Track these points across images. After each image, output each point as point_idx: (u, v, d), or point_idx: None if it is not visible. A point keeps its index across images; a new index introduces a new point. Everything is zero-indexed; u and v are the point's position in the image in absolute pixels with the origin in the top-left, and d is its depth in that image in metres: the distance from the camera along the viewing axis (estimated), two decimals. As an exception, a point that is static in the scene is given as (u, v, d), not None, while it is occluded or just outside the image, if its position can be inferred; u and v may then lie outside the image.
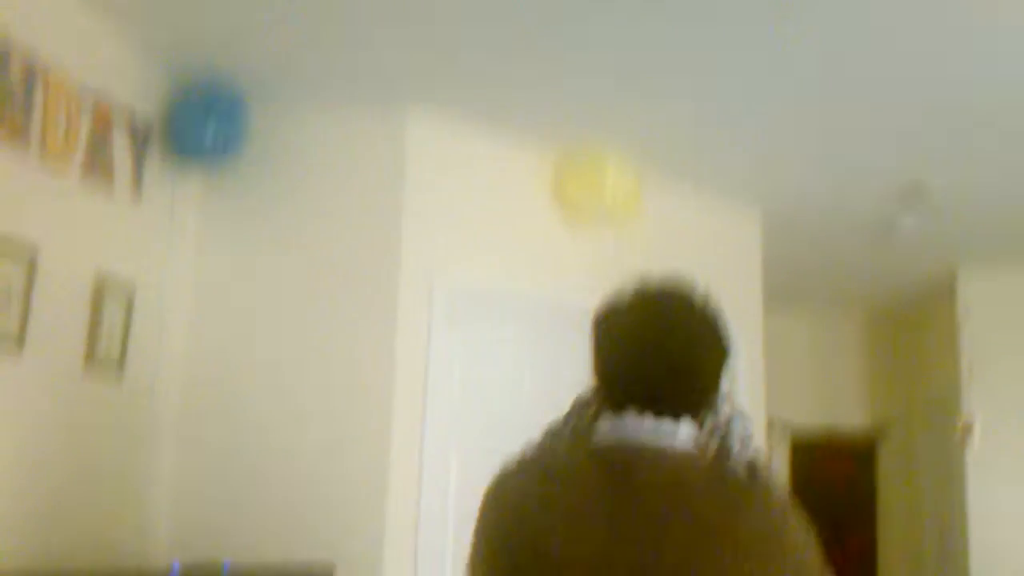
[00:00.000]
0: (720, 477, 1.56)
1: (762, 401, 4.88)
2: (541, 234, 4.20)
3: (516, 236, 4.13)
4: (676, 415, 1.57)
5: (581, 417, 1.66)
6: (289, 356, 3.72)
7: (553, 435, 1.68)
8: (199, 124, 3.55)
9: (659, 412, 1.57)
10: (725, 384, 1.64)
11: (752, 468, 1.61)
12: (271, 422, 3.65)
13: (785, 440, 6.90)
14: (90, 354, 3.19)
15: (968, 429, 5.48)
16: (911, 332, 6.86)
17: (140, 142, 3.45)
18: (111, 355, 3.29)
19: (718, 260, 4.74)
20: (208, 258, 3.81)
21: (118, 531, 3.34)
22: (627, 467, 1.54)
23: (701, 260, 4.61)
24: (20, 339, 2.84)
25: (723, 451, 1.78)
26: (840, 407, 7.08)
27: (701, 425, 1.61)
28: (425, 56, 3.47)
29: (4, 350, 2.79)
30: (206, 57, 3.54)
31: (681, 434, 1.57)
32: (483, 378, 3.94)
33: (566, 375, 4.07)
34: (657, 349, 1.59)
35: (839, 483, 7.05)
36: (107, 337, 3.25)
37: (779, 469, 6.78)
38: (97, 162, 3.21)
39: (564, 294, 4.13)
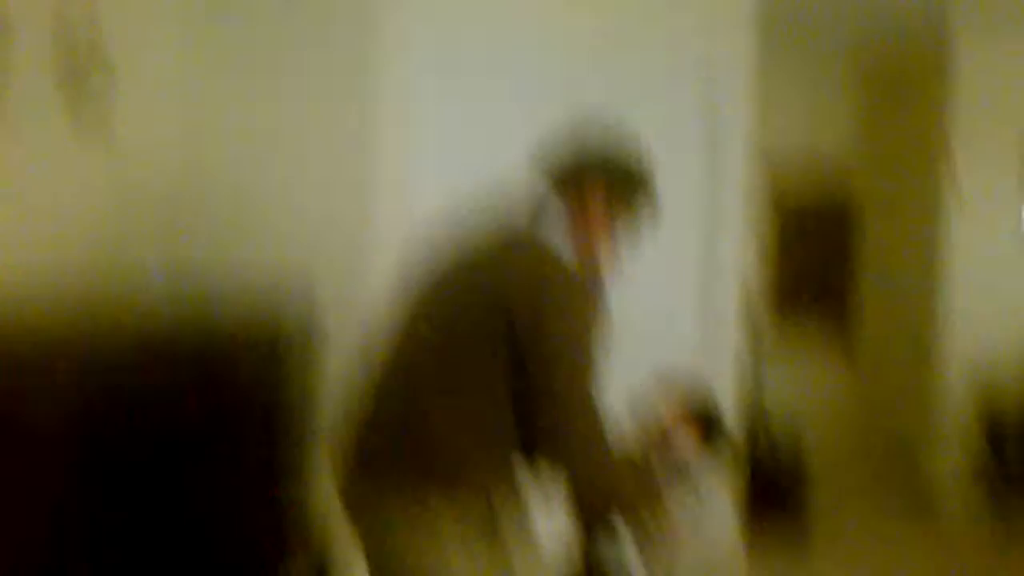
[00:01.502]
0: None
1: (752, 161, 4.82)
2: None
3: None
4: None
5: None
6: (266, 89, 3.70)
7: None
8: None
9: None
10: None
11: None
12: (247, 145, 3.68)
13: (768, 203, 6.82)
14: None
15: (954, 191, 5.59)
16: (901, 94, 6.85)
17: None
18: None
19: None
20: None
21: (95, 253, 3.32)
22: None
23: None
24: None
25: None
26: (825, 167, 7.07)
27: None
28: None
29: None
30: None
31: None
32: (467, 138, 3.88)
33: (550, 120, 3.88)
34: None
35: (821, 240, 7.08)
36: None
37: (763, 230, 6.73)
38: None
39: (550, 49, 4.09)
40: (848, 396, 7.18)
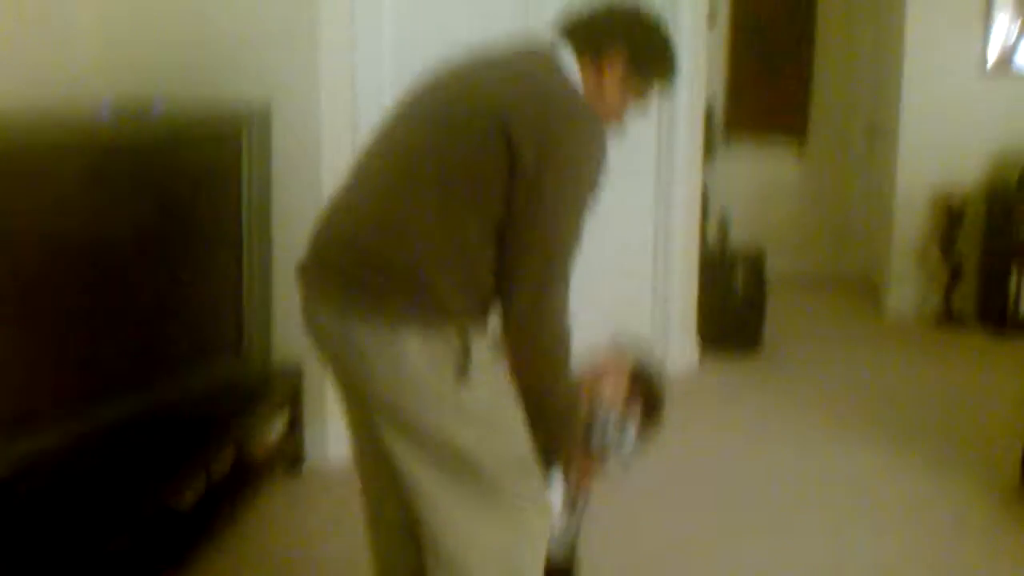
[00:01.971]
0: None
1: None
2: None
3: None
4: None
5: None
6: None
7: None
8: None
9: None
10: None
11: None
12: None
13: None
14: None
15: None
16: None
17: None
18: None
19: None
20: None
21: (41, 70, 3.26)
22: None
23: None
24: None
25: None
26: None
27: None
28: None
29: None
30: None
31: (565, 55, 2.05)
32: None
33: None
34: None
35: (779, 15, 7.06)
36: None
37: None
38: None
39: None
40: (801, 195, 7.16)
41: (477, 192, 1.87)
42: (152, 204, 2.92)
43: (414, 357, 1.86)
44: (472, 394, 1.91)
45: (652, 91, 2.16)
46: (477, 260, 1.89)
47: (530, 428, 2.07)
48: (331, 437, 3.62)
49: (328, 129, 3.52)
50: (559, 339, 1.95)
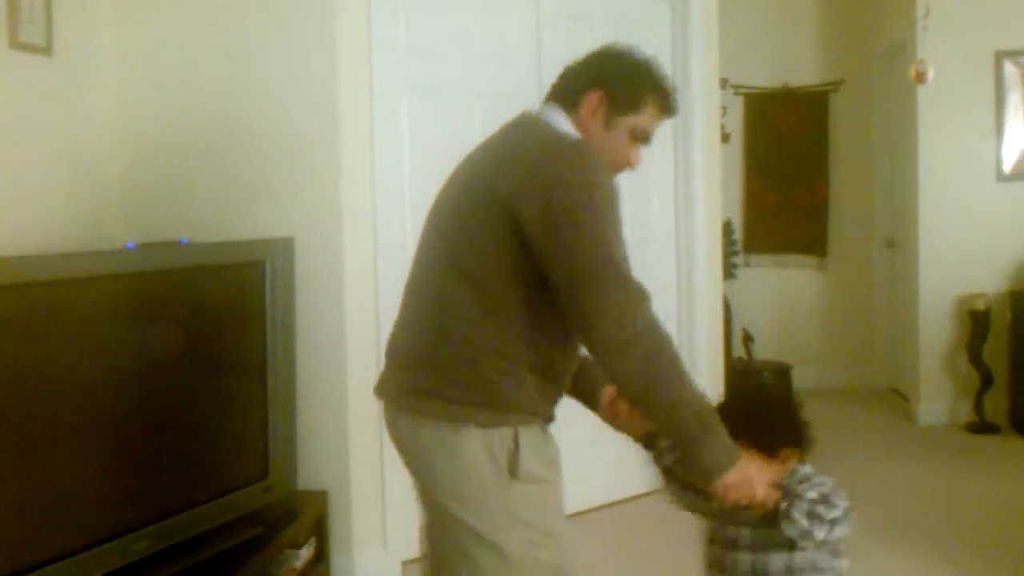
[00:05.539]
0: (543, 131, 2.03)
1: (716, 61, 4.80)
2: None
3: None
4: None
5: None
6: (227, 32, 3.60)
7: None
8: None
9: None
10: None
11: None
12: (216, 99, 3.60)
13: (739, 96, 6.92)
14: (13, 35, 3.02)
15: (922, 73, 5.34)
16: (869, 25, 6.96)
17: None
18: (35, 36, 3.13)
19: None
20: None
21: (69, 214, 3.31)
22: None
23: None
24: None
25: None
26: (795, 62, 7.06)
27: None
28: None
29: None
30: None
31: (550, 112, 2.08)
32: (430, 34, 3.88)
33: (515, 31, 4.07)
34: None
35: (793, 135, 7.10)
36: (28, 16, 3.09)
37: (734, 123, 6.86)
38: None
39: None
40: (824, 308, 7.15)
41: (501, 264, 1.94)
42: (177, 332, 2.95)
43: (475, 455, 1.96)
44: (521, 495, 1.98)
45: (652, 120, 2.12)
46: (526, 333, 1.96)
47: (681, 452, 2.08)
48: (358, 567, 3.56)
49: (350, 259, 3.58)
50: (658, 347, 1.89)
